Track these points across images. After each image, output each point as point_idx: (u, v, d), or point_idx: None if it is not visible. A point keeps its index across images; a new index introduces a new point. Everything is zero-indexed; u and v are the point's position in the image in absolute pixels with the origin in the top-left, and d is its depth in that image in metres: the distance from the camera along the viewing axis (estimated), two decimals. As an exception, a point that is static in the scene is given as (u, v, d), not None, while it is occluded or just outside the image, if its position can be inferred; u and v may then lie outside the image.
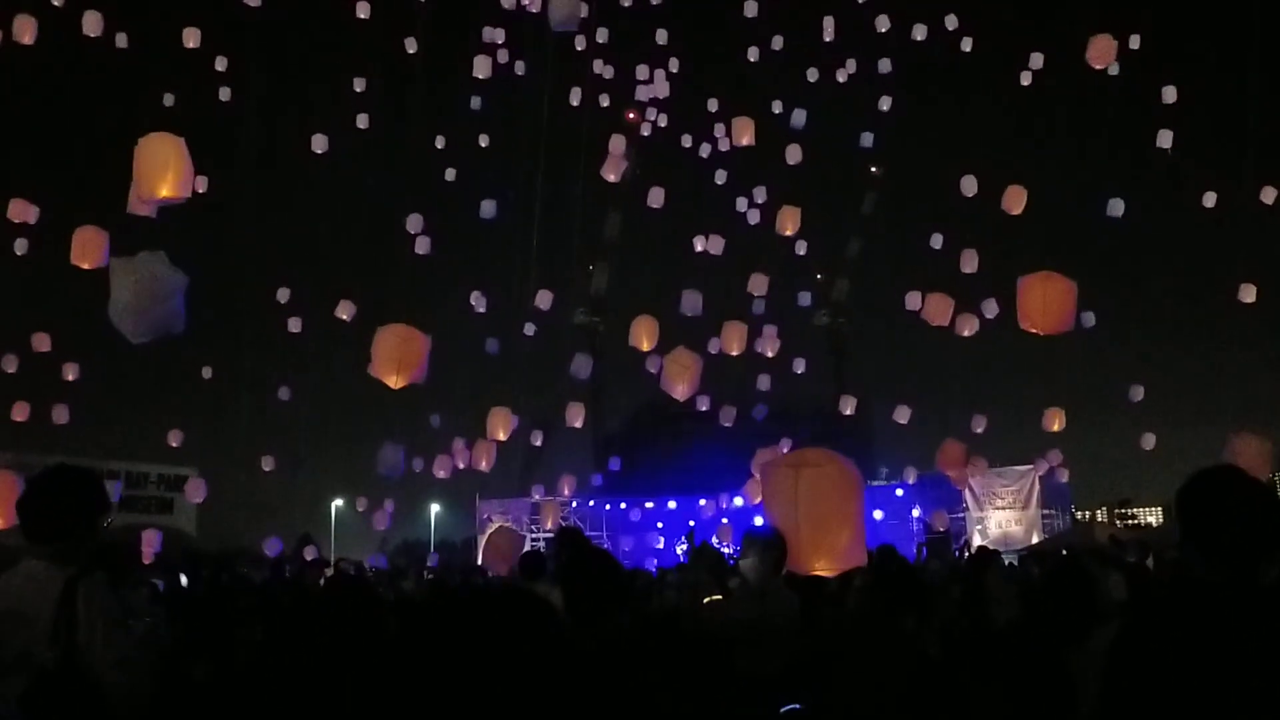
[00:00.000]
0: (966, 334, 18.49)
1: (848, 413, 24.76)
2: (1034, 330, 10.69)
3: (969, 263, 19.33)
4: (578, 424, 21.53)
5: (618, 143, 18.23)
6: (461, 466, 20.18)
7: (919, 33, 20.32)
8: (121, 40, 17.81)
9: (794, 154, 20.20)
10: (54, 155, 30.70)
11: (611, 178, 18.21)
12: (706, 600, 5.82)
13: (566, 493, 24.02)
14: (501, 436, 18.47)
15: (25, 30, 15.97)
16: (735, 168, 21.45)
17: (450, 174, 21.89)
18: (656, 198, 20.08)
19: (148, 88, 19.33)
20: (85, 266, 11.97)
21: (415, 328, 11.86)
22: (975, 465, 27.68)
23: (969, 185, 19.18)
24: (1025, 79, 20.54)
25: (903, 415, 22.98)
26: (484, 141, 22.03)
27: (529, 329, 22.93)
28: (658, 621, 6.00)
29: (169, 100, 19.06)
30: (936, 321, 17.67)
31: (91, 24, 16.79)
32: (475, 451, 19.19)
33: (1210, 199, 20.28)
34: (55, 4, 16.95)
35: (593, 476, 34.00)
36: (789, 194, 19.88)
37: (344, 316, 20.31)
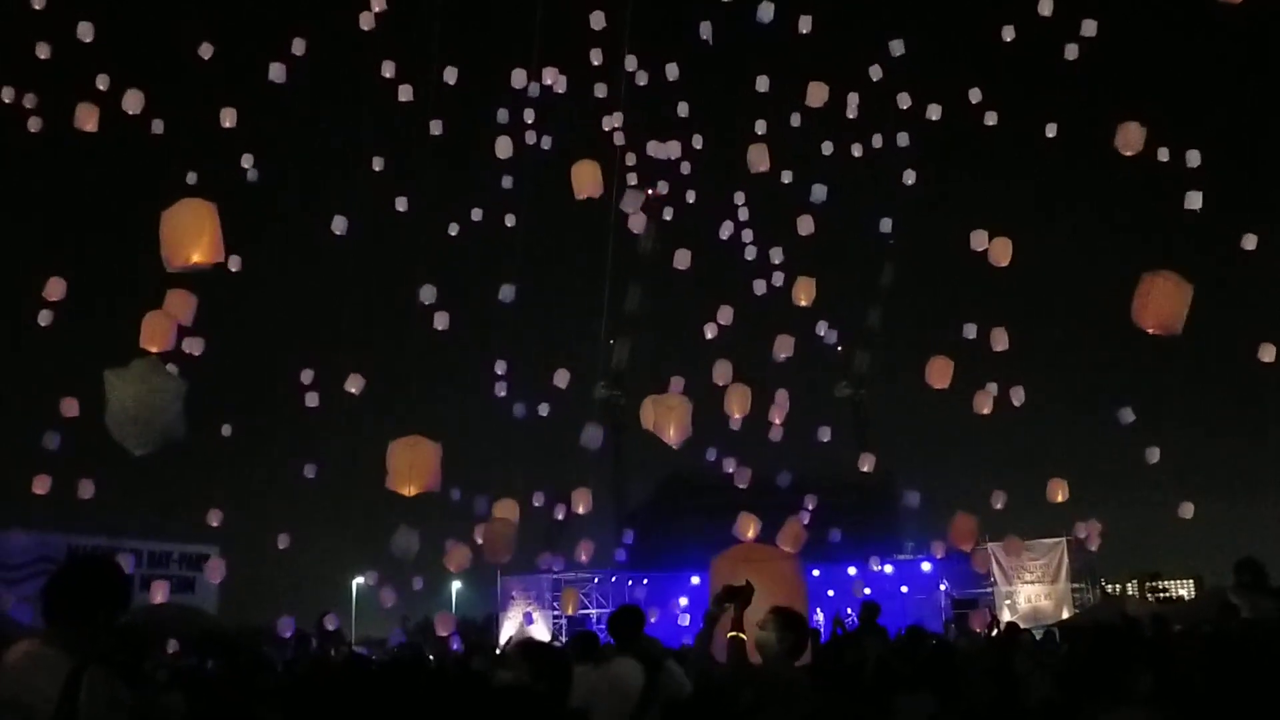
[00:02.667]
0: (985, 411, 18.41)
1: (866, 469, 24.37)
2: (1148, 329, 10.54)
3: (1000, 340, 19.32)
4: (581, 510, 21.34)
5: (634, 195, 17.99)
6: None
7: (941, 108, 20.44)
8: (157, 126, 18.17)
9: (812, 226, 20.23)
10: (82, 233, 31.26)
11: (629, 209, 17.86)
12: (731, 635, 5.67)
13: (584, 559, 23.73)
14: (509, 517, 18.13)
15: (88, 118, 16.37)
16: (757, 240, 21.50)
17: (477, 213, 21.94)
18: (683, 259, 20.04)
19: (172, 166, 19.72)
20: (154, 350, 12.05)
21: (424, 436, 12.14)
22: (1010, 545, 27.28)
23: (991, 245, 18.89)
24: (1048, 147, 20.56)
25: (913, 500, 22.94)
26: (510, 221, 22.15)
27: (543, 409, 22.87)
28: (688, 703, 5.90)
29: (192, 178, 19.44)
30: (938, 385, 17.56)
31: (132, 102, 17.17)
32: (450, 556, 18.20)
33: (1251, 241, 19.52)
34: (100, 87, 17.35)
35: (616, 551, 33.70)
36: (807, 265, 19.95)
37: (353, 390, 20.36)
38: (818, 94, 18.15)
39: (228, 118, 18.41)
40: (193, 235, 9.20)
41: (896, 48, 19.72)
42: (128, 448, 8.22)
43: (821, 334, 22.58)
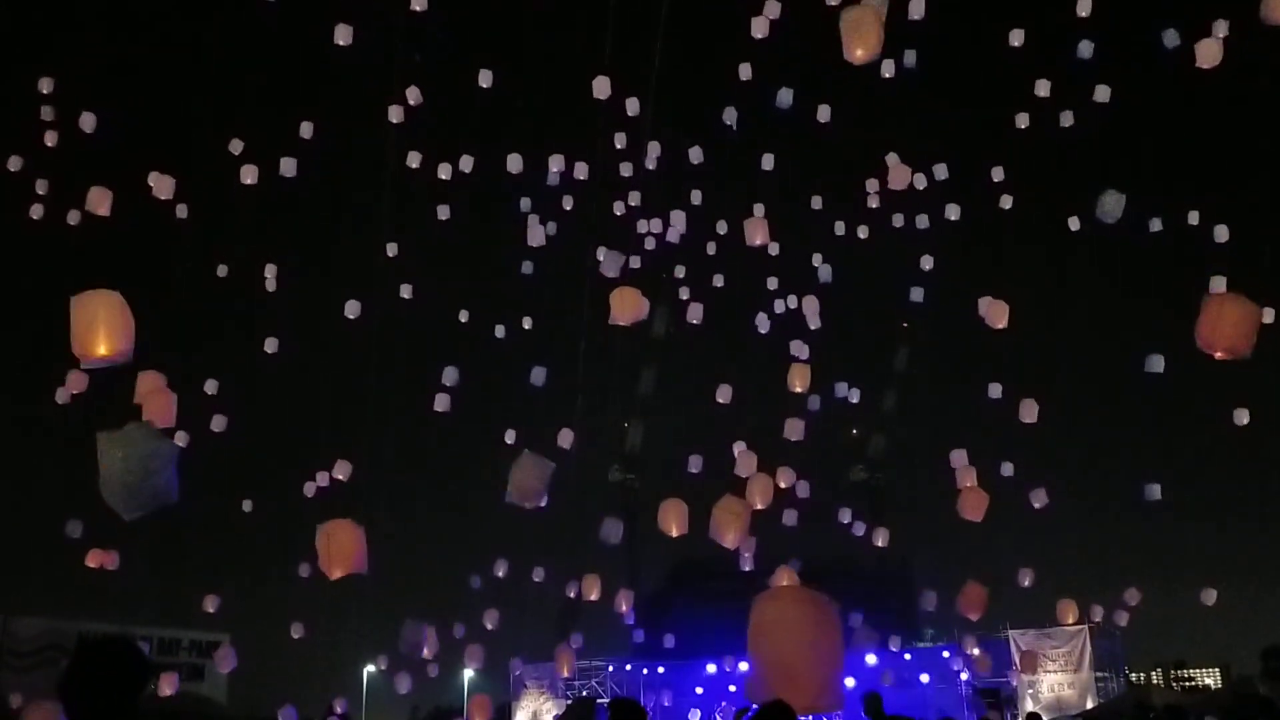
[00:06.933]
0: (970, 484, 18.13)
1: (880, 544, 23.97)
2: (1212, 352, 9.98)
3: (1029, 412, 19.08)
4: (594, 596, 21.04)
5: (613, 258, 17.86)
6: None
7: (960, 208, 20.48)
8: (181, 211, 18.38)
9: (816, 306, 20.19)
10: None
11: (612, 274, 17.67)
12: None
13: (625, 608, 23.21)
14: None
15: (101, 202, 16.39)
16: (775, 319, 21.45)
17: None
18: (696, 313, 19.91)
19: (198, 254, 19.91)
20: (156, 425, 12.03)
21: (352, 521, 11.94)
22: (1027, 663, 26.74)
23: (985, 306, 18.66)
24: (1066, 232, 20.54)
25: (929, 602, 22.89)
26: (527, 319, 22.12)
27: (542, 501, 22.47)
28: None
29: (222, 271, 19.57)
30: (970, 517, 17.12)
31: (163, 187, 17.27)
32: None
33: (1269, 315, 18.86)
34: (151, 183, 17.56)
35: (634, 633, 33.13)
36: (820, 349, 19.90)
37: (340, 476, 20.14)
38: (900, 175, 18.18)
39: (249, 174, 18.39)
40: (96, 329, 9.00)
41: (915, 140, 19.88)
42: (119, 512, 8.13)
43: (840, 395, 22.40)
